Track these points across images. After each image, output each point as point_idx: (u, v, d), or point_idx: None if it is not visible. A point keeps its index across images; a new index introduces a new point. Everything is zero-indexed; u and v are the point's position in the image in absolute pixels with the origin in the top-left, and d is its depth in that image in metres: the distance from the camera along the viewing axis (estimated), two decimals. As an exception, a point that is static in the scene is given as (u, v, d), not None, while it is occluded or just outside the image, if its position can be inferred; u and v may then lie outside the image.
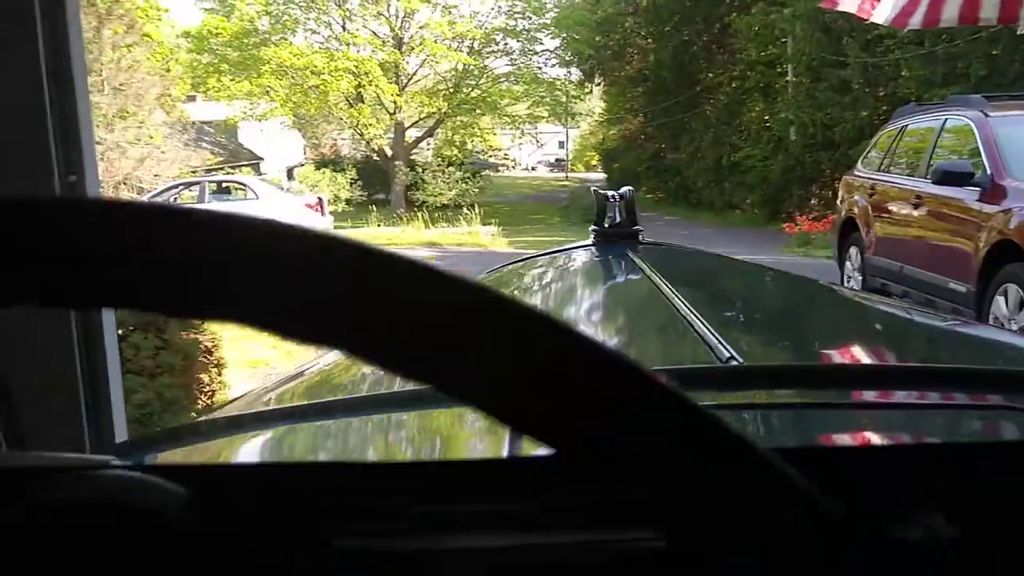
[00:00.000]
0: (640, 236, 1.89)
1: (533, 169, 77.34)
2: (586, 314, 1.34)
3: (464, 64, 31.33)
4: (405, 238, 18.42)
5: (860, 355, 1.06)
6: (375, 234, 19.29)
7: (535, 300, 1.55)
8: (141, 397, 4.05)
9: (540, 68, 33.53)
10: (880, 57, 21.33)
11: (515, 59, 33.27)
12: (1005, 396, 0.80)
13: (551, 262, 1.83)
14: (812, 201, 24.40)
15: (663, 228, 27.18)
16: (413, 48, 31.30)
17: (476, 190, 29.35)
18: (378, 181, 33.02)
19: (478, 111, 32.36)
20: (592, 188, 1.92)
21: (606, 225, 1.88)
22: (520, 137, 36.60)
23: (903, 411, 0.77)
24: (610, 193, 1.90)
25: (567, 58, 34.96)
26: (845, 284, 8.71)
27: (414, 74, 33.50)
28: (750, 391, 0.78)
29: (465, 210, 21.39)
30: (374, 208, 23.97)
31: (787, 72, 25.64)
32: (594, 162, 66.43)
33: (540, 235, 21.80)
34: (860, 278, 8.25)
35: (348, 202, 28.16)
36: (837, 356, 1.05)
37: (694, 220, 29.22)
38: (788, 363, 0.91)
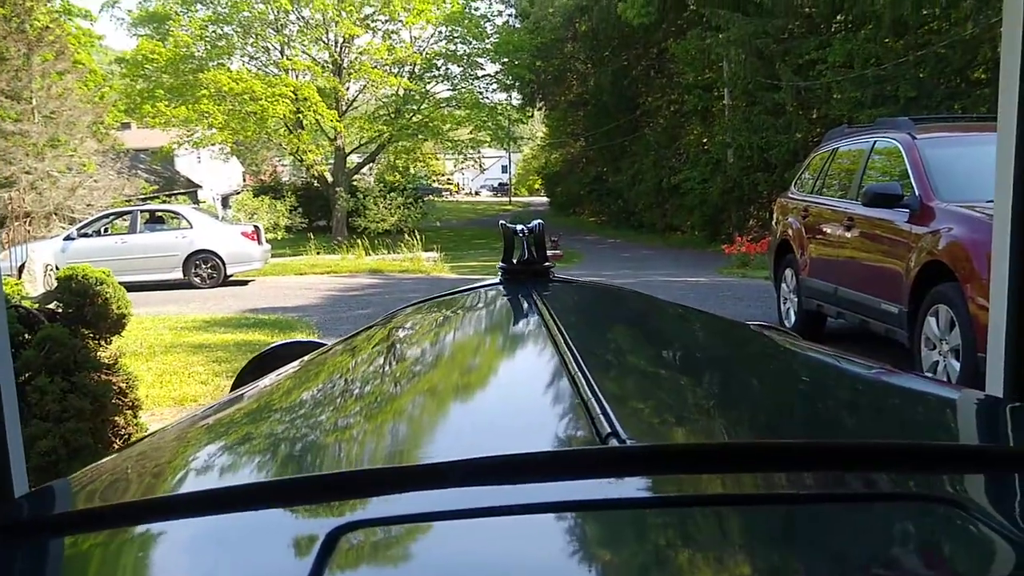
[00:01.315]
0: (551, 273, 1.79)
1: (476, 194, 77.72)
2: (463, 372, 1.23)
3: (405, 89, 31.31)
4: (346, 265, 18.20)
5: (759, 426, 0.95)
6: (315, 262, 19.02)
7: (422, 351, 1.44)
8: (46, 444, 3.81)
9: (482, 93, 33.70)
10: (812, 80, 21.80)
11: (456, 84, 33.40)
12: (920, 476, 0.70)
13: (451, 304, 1.73)
14: (750, 222, 24.77)
15: (605, 251, 27.40)
16: (353, 74, 31.20)
17: (419, 215, 29.25)
18: (319, 208, 32.74)
19: (420, 136, 32.30)
20: (500, 223, 1.82)
21: (514, 261, 1.78)
22: (463, 162, 36.59)
23: (797, 504, 0.66)
24: (518, 227, 1.80)
25: (508, 83, 35.20)
26: (781, 306, 8.75)
27: (354, 100, 33.35)
28: (624, 479, 0.67)
29: (407, 236, 21.22)
30: (312, 236, 23.65)
31: (723, 96, 26.09)
32: (537, 186, 66.93)
33: (483, 259, 21.73)
34: (796, 300, 8.29)
35: (288, 229, 27.79)
36: (738, 427, 0.93)
37: (636, 242, 29.49)
38: (670, 443, 0.79)
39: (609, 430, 0.76)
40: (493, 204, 62.45)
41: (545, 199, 55.53)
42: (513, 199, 66.22)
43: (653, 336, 1.50)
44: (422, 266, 18.02)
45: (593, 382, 0.91)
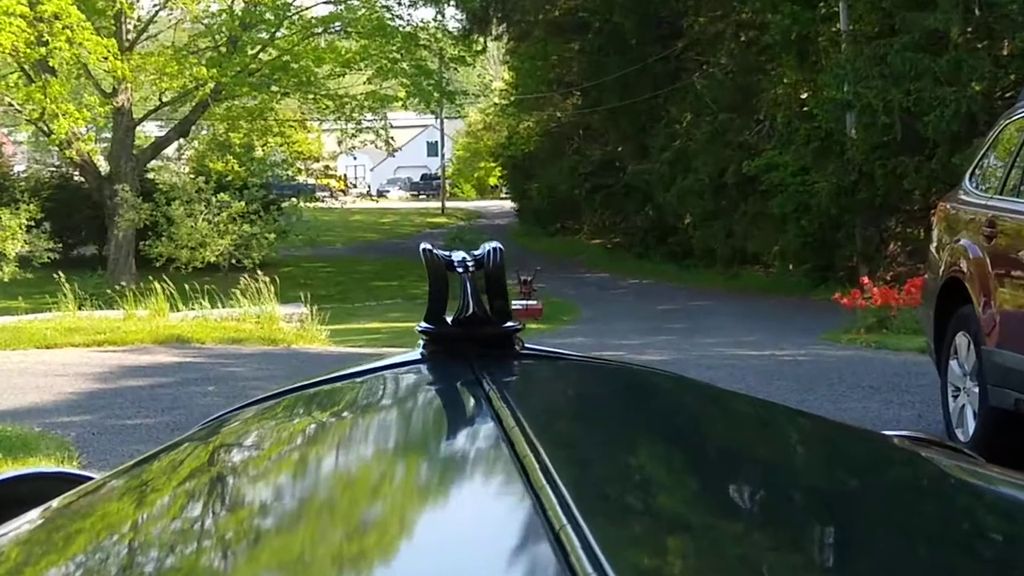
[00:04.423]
0: (516, 341, 1.79)
1: (381, 195, 77.80)
2: (347, 533, 1.23)
3: (246, 1, 31.44)
4: (133, 330, 18.08)
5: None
6: (75, 324, 18.87)
7: (267, 495, 1.44)
8: None
9: (391, 8, 33.90)
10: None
11: (343, -8, 33.66)
12: None
13: (322, 404, 1.74)
14: (890, 246, 24.99)
15: (621, 301, 27.21)
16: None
17: (272, 235, 29.18)
18: (84, 222, 32.49)
19: (274, 87, 32.33)
20: (422, 248, 1.81)
21: (449, 321, 1.78)
22: (354, 136, 36.47)
23: None
24: (457, 257, 1.80)
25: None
26: (950, 401, 8.80)
27: (152, 20, 33.40)
28: None
29: (250, 274, 21.18)
30: (70, 274, 23.38)
31: (838, 15, 26.47)
32: (493, 181, 66.75)
33: (393, 319, 21.65)
34: (976, 389, 8.35)
35: (25, 262, 27.59)
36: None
37: (678, 283, 29.51)
38: None
39: None
40: (412, 213, 62.77)
41: (508, 204, 55.83)
42: (449, 203, 66.53)
43: (700, 457, 1.51)
44: (277, 333, 17.99)
45: (590, 538, 0.95)
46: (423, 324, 1.77)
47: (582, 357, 1.91)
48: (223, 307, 20.49)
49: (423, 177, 79.82)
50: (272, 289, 19.89)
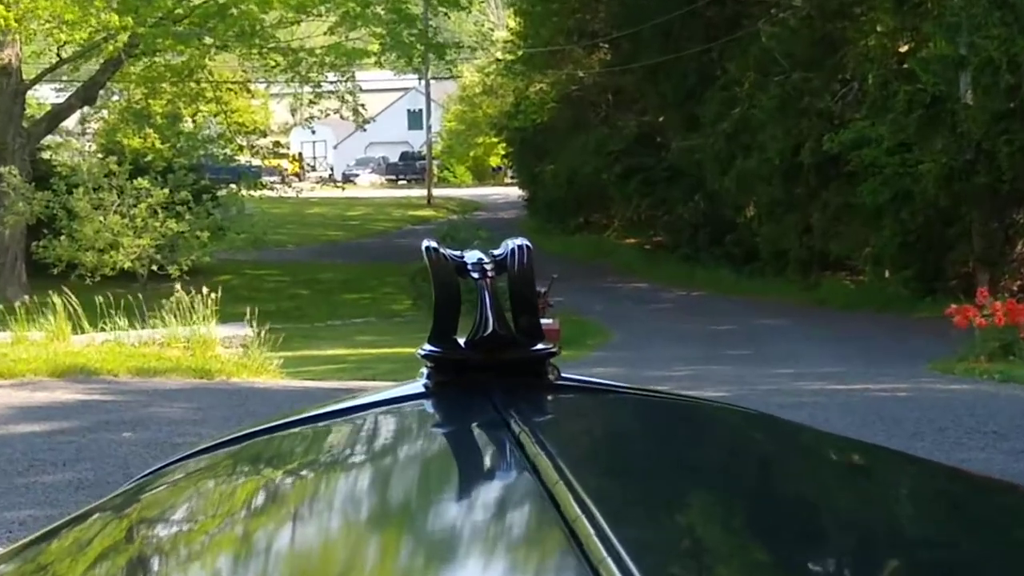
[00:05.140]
0: (552, 371, 1.77)
1: (348, 181, 77.87)
2: None
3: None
4: (24, 359, 18.16)
5: None
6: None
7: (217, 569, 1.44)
8: None
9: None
10: None
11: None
12: None
13: (297, 452, 1.74)
14: (1017, 247, 25.04)
15: (665, 316, 27.26)
16: None
17: (205, 235, 29.28)
18: (-39, 217, 32.62)
19: (207, 39, 32.41)
20: (425, 246, 1.79)
21: (462, 342, 1.76)
22: (312, 104, 36.50)
23: None
24: (471, 258, 1.79)
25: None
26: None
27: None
28: None
29: (178, 284, 21.30)
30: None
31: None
32: (495, 162, 66.80)
33: (363, 346, 21.74)
34: None
35: None
36: None
37: (739, 294, 29.59)
38: None
39: None
40: (389, 204, 63.11)
41: (514, 192, 56.08)
42: (437, 191, 66.90)
43: (808, 520, 1.52)
44: (212, 362, 18.10)
45: None
46: (427, 347, 1.76)
47: (638, 390, 1.89)
48: (142, 328, 20.56)
49: (403, 157, 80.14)
50: (207, 304, 19.97)
